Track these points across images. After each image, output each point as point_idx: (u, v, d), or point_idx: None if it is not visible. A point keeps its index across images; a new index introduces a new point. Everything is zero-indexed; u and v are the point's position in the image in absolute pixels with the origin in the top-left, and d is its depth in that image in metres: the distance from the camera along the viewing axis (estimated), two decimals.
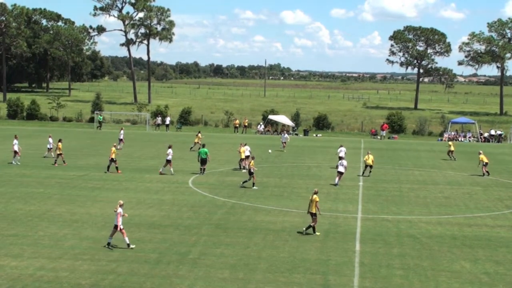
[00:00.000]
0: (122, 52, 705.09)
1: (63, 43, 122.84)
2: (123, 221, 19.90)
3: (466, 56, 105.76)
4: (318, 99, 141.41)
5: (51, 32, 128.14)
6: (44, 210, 24.97)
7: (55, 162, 37.33)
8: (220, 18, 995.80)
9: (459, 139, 64.23)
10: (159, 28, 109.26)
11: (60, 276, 17.02)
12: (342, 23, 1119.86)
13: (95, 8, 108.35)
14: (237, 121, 68.92)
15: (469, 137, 65.18)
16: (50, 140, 40.77)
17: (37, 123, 70.58)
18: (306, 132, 66.13)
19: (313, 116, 76.46)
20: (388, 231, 23.23)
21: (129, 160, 39.97)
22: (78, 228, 22.22)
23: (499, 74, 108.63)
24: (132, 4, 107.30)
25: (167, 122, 67.27)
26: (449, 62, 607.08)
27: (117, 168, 34.93)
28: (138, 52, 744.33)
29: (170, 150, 35.18)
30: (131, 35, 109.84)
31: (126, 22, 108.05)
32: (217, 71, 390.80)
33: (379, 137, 64.66)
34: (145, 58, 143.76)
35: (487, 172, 37.75)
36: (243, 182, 31.74)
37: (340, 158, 36.47)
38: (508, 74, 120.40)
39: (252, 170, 31.50)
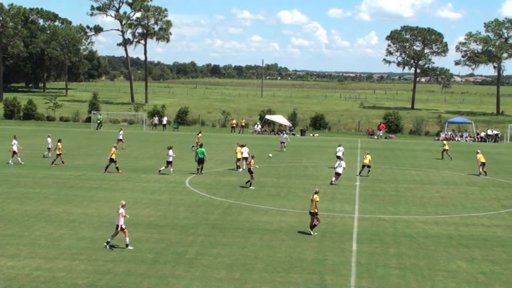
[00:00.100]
0: (119, 52, 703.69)
1: (60, 43, 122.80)
2: (124, 221, 19.86)
3: (463, 56, 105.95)
4: (315, 99, 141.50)
5: (48, 32, 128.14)
6: (41, 210, 24.95)
7: (52, 162, 37.28)
8: (217, 18, 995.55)
9: (456, 139, 64.41)
10: (156, 28, 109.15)
11: (57, 276, 17.01)
12: (339, 23, 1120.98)
13: (92, 8, 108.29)
14: (234, 121, 68.92)
15: (466, 137, 65.31)
16: (49, 140, 40.74)
17: (33, 123, 70.49)
18: (303, 132, 66.19)
19: (310, 116, 76.53)
20: (385, 230, 23.26)
21: (126, 160, 39.93)
22: (75, 228, 22.21)
23: (496, 74, 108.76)
24: (129, 4, 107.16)
25: (164, 122, 67.24)
26: (446, 62, 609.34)
27: (117, 168, 34.92)
28: (135, 52, 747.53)
29: (170, 152, 35.09)
30: (128, 35, 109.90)
31: (123, 22, 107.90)
32: (214, 71, 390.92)
33: (376, 137, 64.74)
34: (142, 58, 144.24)
35: (484, 172, 37.80)
36: (247, 182, 31.74)
37: (338, 157, 36.51)
38: (505, 74, 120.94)
39: (252, 169, 31.53)
